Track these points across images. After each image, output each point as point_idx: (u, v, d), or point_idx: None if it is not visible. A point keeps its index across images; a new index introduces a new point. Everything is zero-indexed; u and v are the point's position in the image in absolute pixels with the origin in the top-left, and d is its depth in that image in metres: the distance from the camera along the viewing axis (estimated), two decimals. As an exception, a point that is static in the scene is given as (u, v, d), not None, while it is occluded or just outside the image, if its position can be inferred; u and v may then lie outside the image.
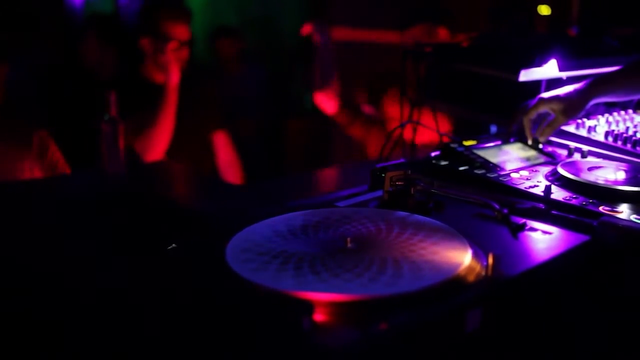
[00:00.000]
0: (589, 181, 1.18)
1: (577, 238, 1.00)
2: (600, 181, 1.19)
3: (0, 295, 0.94)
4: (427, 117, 1.71)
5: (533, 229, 1.02)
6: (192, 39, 2.77)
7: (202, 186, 2.04)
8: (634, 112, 1.68)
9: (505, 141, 1.45)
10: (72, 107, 3.15)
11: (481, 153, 1.35)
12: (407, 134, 1.72)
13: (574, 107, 1.39)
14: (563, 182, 1.21)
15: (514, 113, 1.46)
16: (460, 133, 1.95)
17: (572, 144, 1.46)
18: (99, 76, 3.21)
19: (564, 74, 1.56)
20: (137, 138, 2.63)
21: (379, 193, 1.18)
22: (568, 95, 1.40)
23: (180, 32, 2.71)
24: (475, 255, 0.89)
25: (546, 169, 1.31)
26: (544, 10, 4.25)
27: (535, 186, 1.20)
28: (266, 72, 4.82)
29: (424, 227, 0.99)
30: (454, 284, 0.82)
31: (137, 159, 2.48)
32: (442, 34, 3.11)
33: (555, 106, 1.40)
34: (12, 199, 1.64)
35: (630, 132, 1.48)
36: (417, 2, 3.81)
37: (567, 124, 1.47)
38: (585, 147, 1.43)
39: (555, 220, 1.06)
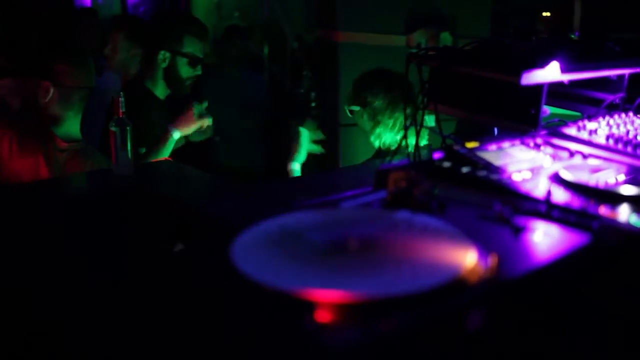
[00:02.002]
0: (590, 183, 1.20)
1: (578, 240, 1.01)
2: (601, 183, 1.20)
3: (2, 294, 0.95)
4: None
5: (534, 231, 1.04)
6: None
7: (208, 186, 2.05)
8: (635, 115, 1.69)
9: (508, 143, 1.47)
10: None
11: (484, 155, 1.36)
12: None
13: None
14: (564, 185, 1.23)
15: None
16: (463, 135, 1.96)
17: (573, 147, 1.47)
18: (125, 77, 3.21)
19: (566, 77, 1.57)
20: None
21: (383, 194, 1.20)
22: None
23: (201, 49, 2.73)
24: (477, 256, 0.91)
25: (548, 171, 1.32)
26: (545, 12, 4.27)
27: (536, 188, 1.21)
28: (271, 74, 4.83)
29: (426, 228, 1.00)
30: (456, 285, 0.83)
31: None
32: (446, 38, 3.13)
33: None
34: (19, 199, 1.66)
35: (631, 135, 1.50)
36: (422, 8, 3.82)
37: (568, 126, 1.49)
38: (586, 150, 1.44)
39: (556, 222, 1.07)
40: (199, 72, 2.77)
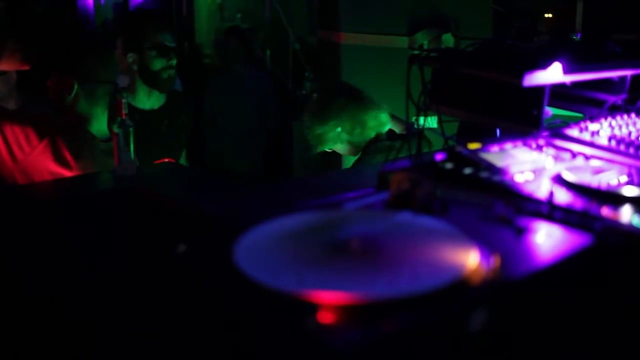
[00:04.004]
0: (592, 185, 1.20)
1: (580, 241, 1.01)
2: (603, 185, 1.20)
3: (3, 294, 0.95)
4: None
5: (536, 232, 1.04)
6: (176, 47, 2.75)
7: (210, 186, 2.05)
8: (637, 116, 1.69)
9: (510, 145, 1.47)
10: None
11: (486, 156, 1.36)
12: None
13: None
14: (566, 186, 1.23)
15: None
16: (465, 136, 1.96)
17: (576, 148, 1.47)
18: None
19: (568, 78, 1.57)
20: None
21: (385, 195, 1.20)
22: None
23: (163, 38, 2.68)
24: (480, 257, 0.91)
25: (550, 173, 1.32)
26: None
27: (539, 189, 1.21)
28: (272, 75, 4.83)
29: (428, 229, 1.00)
30: (458, 286, 0.83)
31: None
32: (448, 39, 3.14)
33: None
34: (22, 199, 1.66)
35: (633, 137, 1.50)
36: (424, 9, 3.82)
37: (570, 127, 1.49)
38: (588, 151, 1.44)
39: (559, 223, 1.07)
40: (174, 61, 2.70)
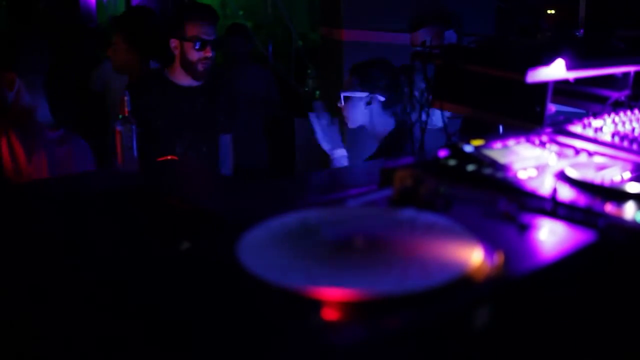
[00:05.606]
0: (596, 181, 1.20)
1: (584, 238, 1.01)
2: (607, 181, 1.20)
3: (4, 295, 0.95)
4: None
5: (540, 229, 1.04)
6: (218, 40, 2.92)
7: (213, 184, 2.06)
8: (640, 112, 1.69)
9: (513, 141, 1.47)
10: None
11: (489, 153, 1.36)
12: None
13: None
14: (570, 182, 1.23)
15: None
16: (469, 133, 1.96)
17: (579, 144, 1.47)
18: (130, 79, 3.26)
19: (572, 74, 1.57)
20: None
21: (388, 192, 1.20)
22: None
23: (205, 32, 2.81)
24: (483, 253, 0.91)
25: (553, 169, 1.32)
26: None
27: (542, 186, 1.21)
28: (274, 72, 4.83)
29: (432, 226, 1.00)
30: (462, 282, 0.83)
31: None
32: (450, 36, 3.14)
33: None
34: (20, 198, 1.66)
35: (637, 133, 1.50)
36: (426, 5, 3.82)
37: (573, 124, 1.49)
38: (591, 147, 1.44)
39: (562, 219, 1.07)
40: (210, 54, 2.86)
